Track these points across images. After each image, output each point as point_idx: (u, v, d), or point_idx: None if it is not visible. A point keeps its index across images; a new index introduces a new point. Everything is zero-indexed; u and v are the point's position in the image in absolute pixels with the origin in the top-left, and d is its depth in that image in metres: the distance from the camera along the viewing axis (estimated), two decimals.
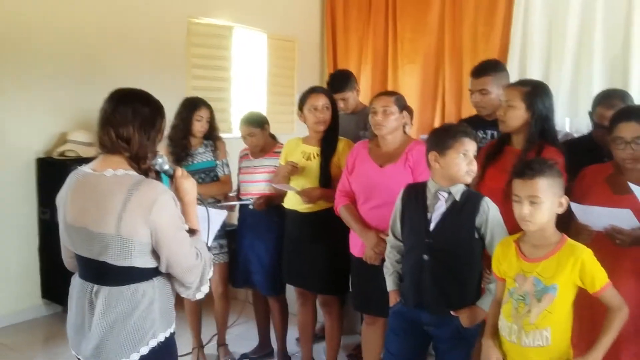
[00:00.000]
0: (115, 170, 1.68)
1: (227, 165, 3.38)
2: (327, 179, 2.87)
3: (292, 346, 3.50)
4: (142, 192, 1.64)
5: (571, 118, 4.31)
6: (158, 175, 1.80)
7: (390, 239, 2.32)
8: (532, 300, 1.80)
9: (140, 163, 1.71)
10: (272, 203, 3.17)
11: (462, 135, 2.04)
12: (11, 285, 3.88)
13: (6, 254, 3.84)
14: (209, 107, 3.32)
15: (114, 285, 1.68)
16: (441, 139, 2.07)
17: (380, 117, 2.55)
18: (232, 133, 4.82)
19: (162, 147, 3.27)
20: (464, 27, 5.17)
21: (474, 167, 2.06)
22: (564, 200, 1.82)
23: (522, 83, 2.47)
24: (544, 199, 1.77)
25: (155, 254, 1.69)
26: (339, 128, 3.17)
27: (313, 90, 2.96)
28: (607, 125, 2.26)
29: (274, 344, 3.48)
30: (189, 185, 1.81)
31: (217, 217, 2.20)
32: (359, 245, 2.66)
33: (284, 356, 3.42)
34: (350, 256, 2.75)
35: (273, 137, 3.42)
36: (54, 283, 3.95)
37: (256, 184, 3.27)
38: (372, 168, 2.61)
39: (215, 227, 2.07)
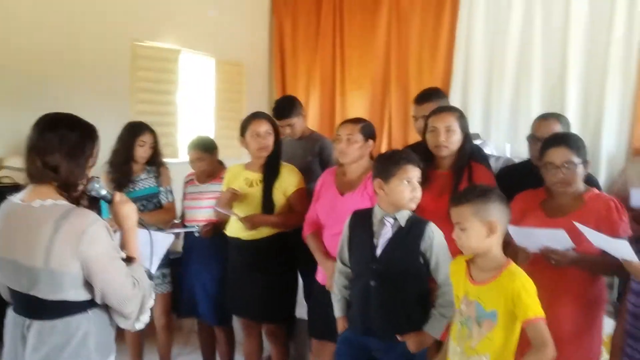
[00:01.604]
0: (44, 201, 1.62)
1: (171, 192, 3.30)
2: (270, 205, 2.84)
3: None
4: (71, 223, 1.58)
5: (511, 144, 4.46)
6: (95, 202, 1.74)
7: (338, 265, 2.31)
8: (474, 324, 1.81)
9: (71, 191, 1.65)
10: (219, 230, 3.10)
11: (405, 163, 2.06)
12: None
13: None
14: (152, 132, 3.24)
15: (47, 319, 1.62)
16: (385, 166, 2.09)
17: (344, 145, 2.53)
18: (179, 158, 4.73)
19: (102, 173, 3.17)
20: (409, 54, 5.29)
21: (418, 193, 2.08)
22: (495, 224, 1.79)
23: (450, 109, 2.55)
24: (467, 225, 1.79)
25: (89, 285, 1.62)
26: (287, 154, 3.16)
27: (255, 116, 2.93)
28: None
29: None
30: (129, 211, 1.76)
31: (163, 241, 2.14)
32: (322, 272, 2.62)
33: None
34: (315, 283, 2.70)
35: (220, 162, 3.37)
36: None
37: (202, 210, 3.21)
38: (334, 195, 2.60)
39: (161, 252, 2.01)
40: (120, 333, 3.11)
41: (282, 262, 2.83)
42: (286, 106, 3.54)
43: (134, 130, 3.19)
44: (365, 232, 2.14)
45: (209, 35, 5.30)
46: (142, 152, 3.18)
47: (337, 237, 2.43)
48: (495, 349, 1.78)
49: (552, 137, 2.35)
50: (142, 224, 1.83)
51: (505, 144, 4.47)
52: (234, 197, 2.86)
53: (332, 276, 2.43)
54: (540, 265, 2.07)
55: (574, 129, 4.04)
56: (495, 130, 4.73)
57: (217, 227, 3.11)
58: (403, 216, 2.09)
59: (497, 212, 1.82)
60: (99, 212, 1.76)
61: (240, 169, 3.04)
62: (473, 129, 3.25)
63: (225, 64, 5.53)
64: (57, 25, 4.14)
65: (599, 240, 1.93)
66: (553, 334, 1.72)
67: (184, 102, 5.13)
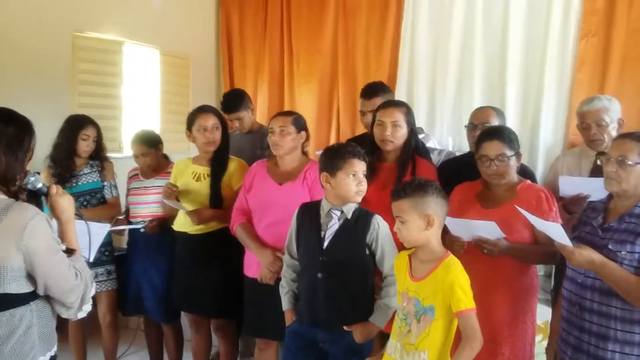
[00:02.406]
0: None
1: (115, 186, 3.24)
2: (218, 199, 2.83)
3: None
4: (12, 217, 1.58)
5: (453, 137, 4.59)
6: (33, 196, 1.73)
7: (286, 258, 2.33)
8: (413, 320, 1.86)
9: (10, 186, 1.65)
10: (165, 225, 3.07)
11: (350, 157, 2.10)
12: None
13: None
14: (96, 125, 3.17)
15: None
16: (331, 160, 2.12)
17: (277, 137, 2.56)
18: (123, 152, 4.61)
19: (44, 168, 3.08)
20: (356, 49, 5.34)
21: (364, 187, 2.12)
22: (432, 217, 1.86)
23: (397, 104, 2.61)
24: (407, 218, 1.86)
25: (31, 277, 1.63)
26: (235, 148, 3.15)
27: (202, 110, 2.91)
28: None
29: None
30: (65, 203, 1.77)
31: (99, 230, 2.18)
32: (254, 265, 2.63)
33: None
34: (245, 278, 2.71)
35: (166, 156, 3.32)
36: None
37: (147, 206, 3.16)
38: (270, 185, 2.61)
39: (98, 241, 2.05)
40: (63, 332, 3.06)
41: (230, 257, 2.81)
42: (235, 100, 3.52)
43: (76, 124, 3.11)
44: (312, 225, 2.17)
45: (154, 27, 5.18)
46: (84, 146, 3.11)
47: (274, 227, 2.46)
48: (434, 344, 1.83)
49: (485, 131, 2.45)
50: (78, 215, 1.84)
51: (449, 137, 4.60)
52: (172, 193, 2.82)
53: (268, 266, 2.45)
54: (475, 254, 2.15)
55: (514, 123, 4.23)
56: (439, 124, 4.84)
57: (163, 222, 3.07)
58: (349, 209, 2.13)
59: (434, 205, 1.88)
60: (40, 207, 1.73)
61: (187, 163, 3.01)
62: (418, 122, 3.34)
63: (170, 56, 5.42)
64: None
65: (538, 223, 2.03)
66: (488, 320, 1.80)
67: (128, 95, 5.00)
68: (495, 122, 2.77)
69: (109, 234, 3.16)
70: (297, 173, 2.57)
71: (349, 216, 2.13)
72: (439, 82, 4.87)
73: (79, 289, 1.70)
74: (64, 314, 1.73)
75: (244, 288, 2.74)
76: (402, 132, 2.51)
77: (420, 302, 1.85)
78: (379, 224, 2.11)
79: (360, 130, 5.10)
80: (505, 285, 2.27)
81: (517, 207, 2.07)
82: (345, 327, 2.09)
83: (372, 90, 2.94)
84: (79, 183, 3.11)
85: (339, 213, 2.13)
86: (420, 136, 3.35)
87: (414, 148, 2.55)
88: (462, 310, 1.78)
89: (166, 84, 5.40)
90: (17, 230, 1.58)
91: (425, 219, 1.85)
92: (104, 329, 3.24)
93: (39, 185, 1.76)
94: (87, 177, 3.14)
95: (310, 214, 2.20)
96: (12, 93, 4.12)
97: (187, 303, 2.97)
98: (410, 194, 1.87)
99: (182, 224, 2.89)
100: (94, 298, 3.10)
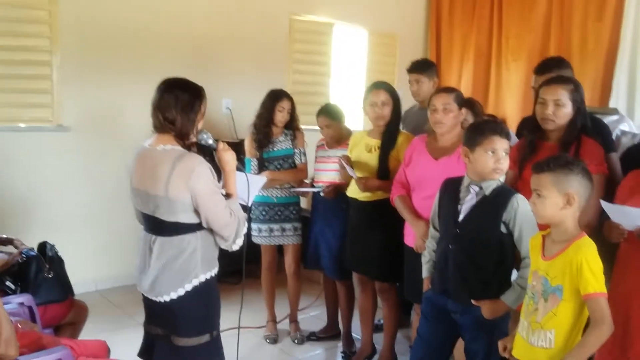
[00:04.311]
0: (165, 146, 2.05)
1: (304, 154, 3.61)
2: (385, 171, 2.99)
3: (358, 330, 3.66)
4: (184, 163, 1.99)
5: None
6: (203, 149, 2.13)
7: (430, 230, 2.41)
8: (540, 299, 1.81)
9: (184, 139, 2.06)
10: (341, 191, 3.34)
11: (491, 134, 2.08)
12: (124, 250, 4.34)
13: (123, 221, 4.07)
14: (290, 99, 3.55)
15: (166, 236, 2.07)
16: (472, 135, 2.13)
17: (440, 114, 2.61)
18: None
19: (248, 134, 3.59)
20: (572, 23, 4.93)
21: (502, 165, 2.10)
22: (573, 197, 1.76)
23: (562, 80, 2.42)
24: (546, 193, 1.78)
25: (197, 211, 2.03)
26: (413, 122, 3.27)
27: (374, 87, 3.08)
28: None
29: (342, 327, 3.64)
30: (229, 157, 2.15)
31: (257, 181, 2.55)
32: (411, 235, 2.74)
33: (349, 339, 3.57)
34: (404, 246, 2.85)
35: (349, 129, 3.58)
36: None
37: (328, 173, 3.46)
38: (427, 160, 2.69)
39: (255, 189, 2.40)
40: (257, 277, 3.59)
41: (394, 225, 2.96)
42: (421, 63, 3.66)
43: (274, 97, 3.53)
44: (451, 198, 2.21)
45: (363, 8, 5.50)
46: (280, 116, 3.52)
47: (427, 200, 2.52)
48: (561, 325, 1.76)
49: None
50: (239, 168, 2.21)
51: None
52: (349, 163, 3.07)
53: (422, 237, 2.54)
54: (636, 244, 1.96)
55: None
56: None
57: (339, 188, 3.35)
58: (489, 185, 2.12)
59: (577, 184, 1.78)
60: (213, 161, 2.13)
61: (363, 135, 3.22)
62: None
63: (378, 35, 5.69)
64: (223, 4, 4.71)
65: None
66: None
67: (336, 72, 5.42)
68: None
69: (296, 195, 3.59)
70: (454, 148, 2.60)
71: (487, 192, 2.11)
72: None
73: (233, 226, 2.06)
74: (223, 245, 2.12)
75: (404, 255, 2.88)
76: (566, 111, 2.35)
77: (549, 281, 1.79)
78: (519, 203, 2.05)
79: None
80: None
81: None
82: (473, 301, 2.11)
83: (546, 66, 2.76)
84: (275, 149, 3.56)
85: (477, 189, 2.13)
86: (613, 118, 3.04)
87: (581, 128, 2.37)
88: (590, 294, 1.69)
89: (373, 62, 5.70)
90: (187, 173, 1.97)
91: (564, 198, 1.77)
92: (289, 277, 3.68)
93: (210, 141, 2.14)
94: (282, 144, 3.57)
95: (451, 188, 2.24)
96: (238, 70, 4.85)
97: (355, 263, 3.21)
98: (553, 169, 1.79)
99: (353, 190, 3.12)
100: (281, 249, 3.63)
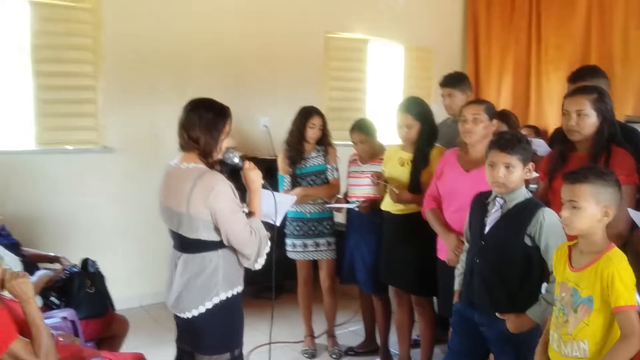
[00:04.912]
0: (189, 164, 2.11)
1: (337, 169, 3.64)
2: (417, 184, 3.00)
3: (395, 345, 3.62)
4: (205, 181, 2.04)
5: None
6: (226, 167, 2.17)
7: (465, 243, 2.40)
8: (570, 310, 1.77)
9: (208, 158, 2.11)
10: (376, 206, 3.35)
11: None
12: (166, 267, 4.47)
13: (165, 239, 4.36)
14: (321, 115, 3.61)
15: (189, 253, 2.12)
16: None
17: (470, 125, 2.62)
18: None
19: (281, 151, 3.65)
20: (613, 32, 4.81)
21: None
22: (611, 209, 1.74)
23: (586, 90, 2.37)
24: (584, 204, 1.74)
25: (218, 229, 2.07)
26: (447, 135, 3.26)
27: (400, 109, 3.11)
28: None
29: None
30: (254, 175, 2.18)
31: (285, 201, 2.53)
32: (444, 248, 2.73)
33: (387, 354, 3.55)
34: (438, 260, 2.83)
35: (382, 145, 3.60)
36: None
37: (362, 188, 3.47)
38: (457, 172, 2.69)
39: (283, 208, 2.40)
40: (294, 292, 3.61)
41: (428, 238, 2.94)
42: (454, 77, 3.66)
43: (305, 114, 3.59)
44: (480, 211, 2.21)
45: (398, 24, 5.52)
46: (311, 133, 3.57)
47: (459, 213, 2.50)
48: (593, 334, 1.72)
49: None
50: (265, 186, 2.22)
51: None
52: (383, 178, 3.11)
53: (454, 249, 2.52)
54: None
55: None
56: None
57: (374, 203, 3.36)
58: (514, 198, 2.12)
59: (611, 197, 1.76)
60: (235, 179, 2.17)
61: (396, 149, 3.24)
62: None
63: (414, 50, 5.69)
64: (261, 23, 4.82)
65: None
66: None
67: (372, 88, 5.44)
68: None
69: (330, 211, 3.61)
70: (484, 160, 2.57)
71: (510, 205, 2.11)
72: None
73: (254, 244, 2.08)
74: (245, 263, 2.15)
75: (437, 270, 2.86)
76: (590, 121, 2.31)
77: (579, 292, 1.75)
78: (545, 217, 2.03)
79: None
80: None
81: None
82: (497, 314, 2.08)
83: (579, 74, 2.72)
84: (307, 165, 3.60)
85: (502, 201, 2.14)
86: None
87: (610, 137, 2.32)
88: (620, 306, 1.65)
89: (409, 77, 5.70)
90: (206, 191, 2.01)
91: (603, 210, 1.74)
92: (324, 292, 3.70)
93: (236, 160, 2.18)
94: (314, 160, 3.61)
95: (481, 200, 2.24)
96: (275, 88, 4.95)
97: (390, 276, 3.21)
98: (591, 180, 1.75)
99: (387, 203, 3.14)
100: (317, 264, 3.64)
